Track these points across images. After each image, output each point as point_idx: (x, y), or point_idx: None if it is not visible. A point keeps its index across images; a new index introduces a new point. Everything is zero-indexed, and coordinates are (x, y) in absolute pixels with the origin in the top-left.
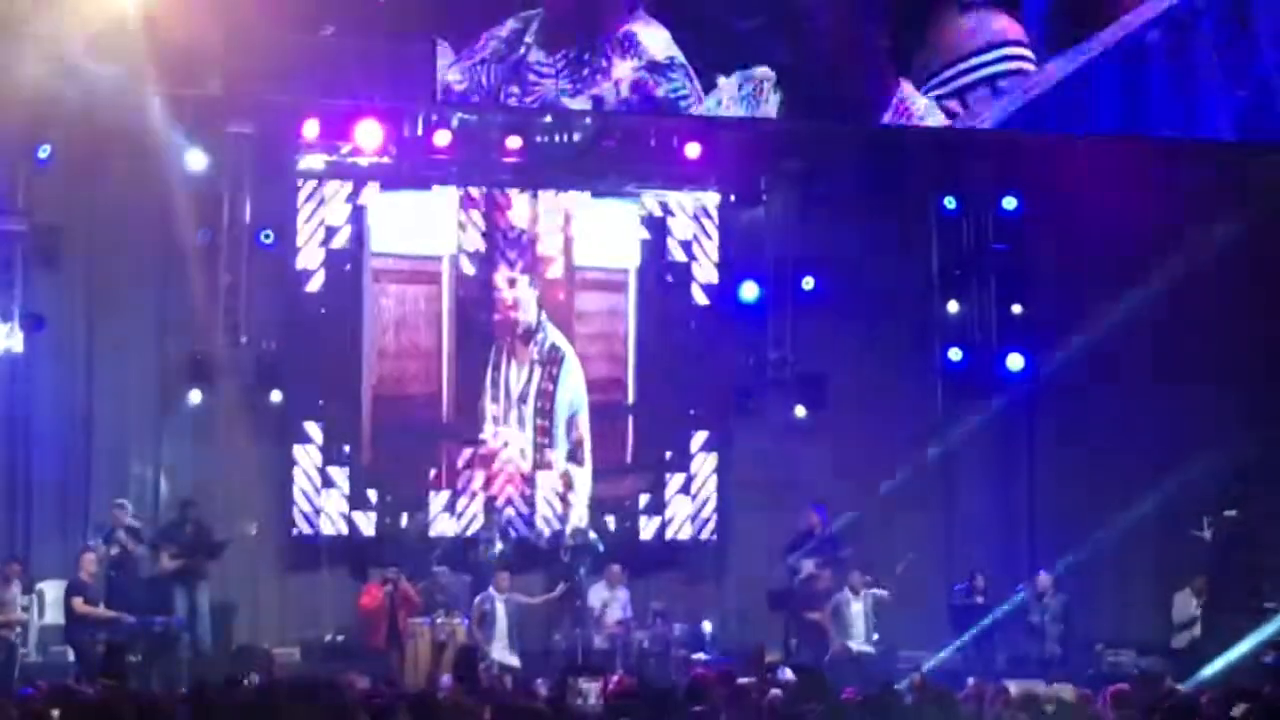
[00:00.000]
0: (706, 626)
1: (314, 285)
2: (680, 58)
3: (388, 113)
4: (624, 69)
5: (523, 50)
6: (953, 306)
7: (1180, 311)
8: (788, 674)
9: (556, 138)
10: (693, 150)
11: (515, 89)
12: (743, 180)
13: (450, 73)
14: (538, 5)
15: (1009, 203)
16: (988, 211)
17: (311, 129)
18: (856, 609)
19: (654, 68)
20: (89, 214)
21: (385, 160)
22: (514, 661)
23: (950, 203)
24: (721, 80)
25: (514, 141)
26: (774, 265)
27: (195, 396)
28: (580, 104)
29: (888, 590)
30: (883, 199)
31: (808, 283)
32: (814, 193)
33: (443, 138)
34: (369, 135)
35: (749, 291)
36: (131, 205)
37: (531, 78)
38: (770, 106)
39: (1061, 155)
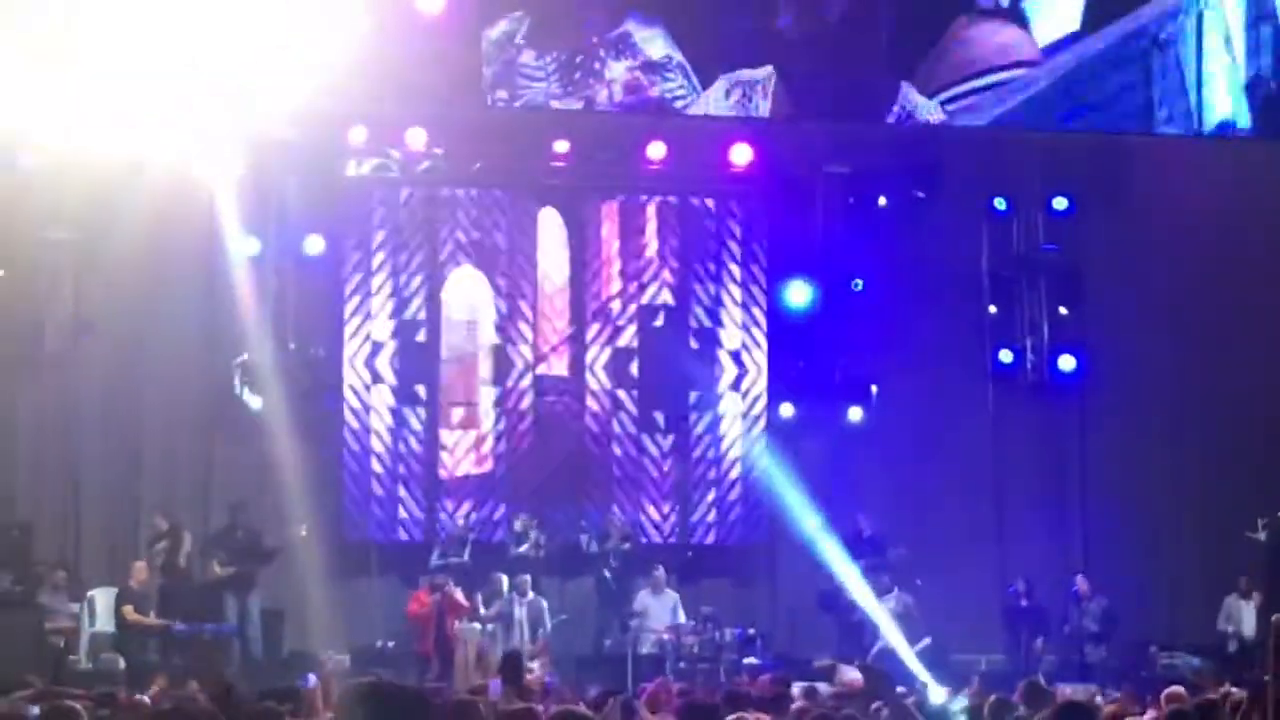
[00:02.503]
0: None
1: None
2: (678, 57)
3: (434, 118)
4: (618, 69)
5: (513, 51)
6: (1003, 308)
7: (1233, 309)
8: (853, 674)
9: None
10: (741, 154)
11: (504, 94)
12: (791, 183)
13: None
14: (529, 6)
15: (1059, 203)
16: (1038, 212)
17: (358, 135)
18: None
19: (650, 67)
20: (138, 221)
21: (431, 165)
22: (534, 667)
23: (1000, 204)
24: (721, 79)
25: (562, 146)
26: (823, 267)
27: (255, 402)
28: (570, 107)
29: (911, 597)
30: (932, 200)
31: (857, 284)
32: (863, 194)
33: (490, 142)
34: (416, 141)
35: (798, 295)
36: (178, 212)
37: (521, 81)
38: (761, 110)
39: (1112, 154)
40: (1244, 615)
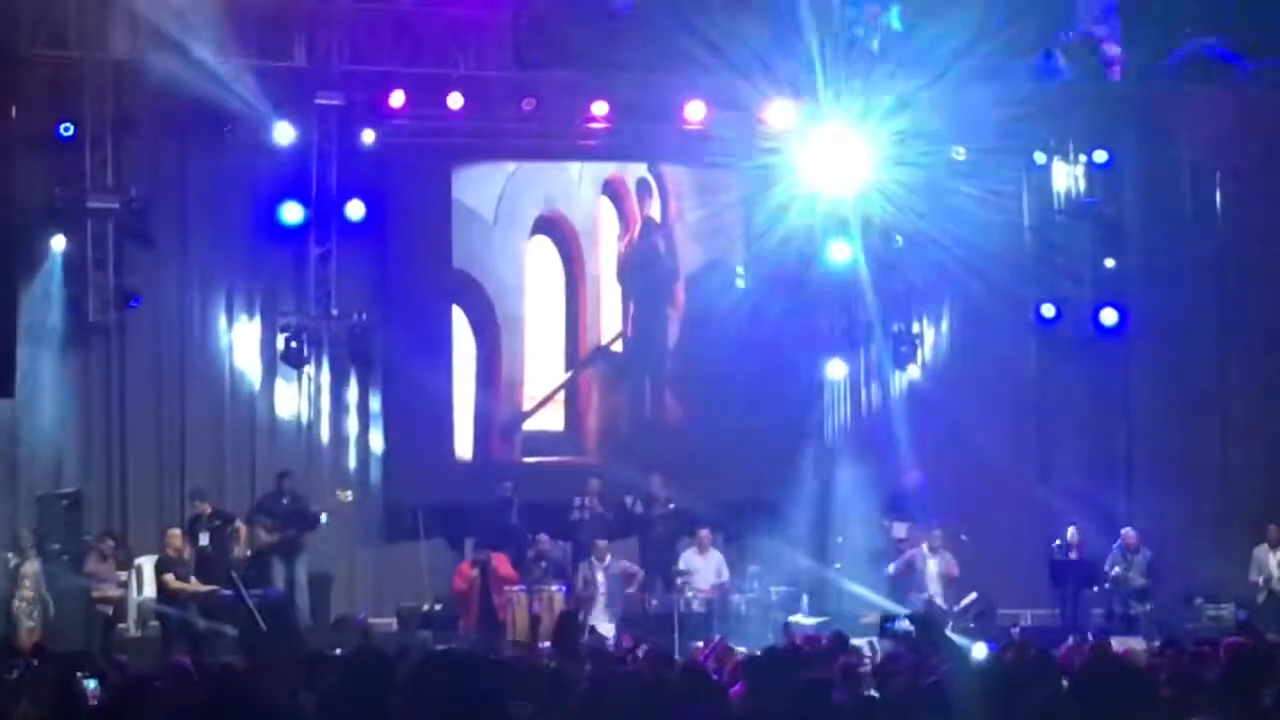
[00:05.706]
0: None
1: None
2: None
3: (472, 81)
4: None
5: None
6: (1044, 262)
7: (1276, 259)
8: (905, 624)
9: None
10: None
11: None
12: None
13: None
14: None
15: (1100, 156)
16: (1079, 165)
17: (398, 99)
18: (931, 567)
19: None
20: (179, 189)
21: (469, 129)
22: (610, 630)
23: (1040, 157)
24: None
25: (600, 108)
26: (861, 224)
27: (310, 370)
28: None
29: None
30: (972, 154)
31: (898, 241)
32: (899, 149)
33: (527, 104)
34: (455, 104)
35: (839, 253)
36: (220, 179)
37: None
38: None
39: (1153, 106)
40: (1270, 565)
